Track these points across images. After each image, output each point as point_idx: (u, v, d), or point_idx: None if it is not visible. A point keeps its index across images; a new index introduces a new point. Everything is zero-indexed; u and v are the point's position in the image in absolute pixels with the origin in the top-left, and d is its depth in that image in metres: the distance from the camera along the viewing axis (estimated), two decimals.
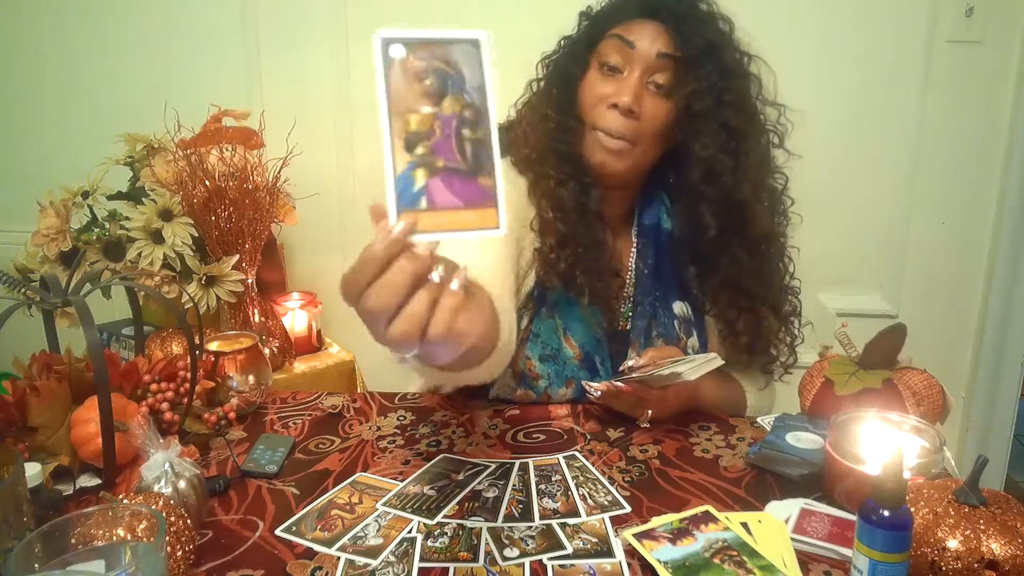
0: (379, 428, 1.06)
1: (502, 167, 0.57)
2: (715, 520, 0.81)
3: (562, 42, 1.14)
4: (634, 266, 1.16)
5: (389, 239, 0.54)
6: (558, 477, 0.91)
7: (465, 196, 0.57)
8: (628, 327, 1.14)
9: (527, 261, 1.09)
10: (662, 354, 1.03)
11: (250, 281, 1.56)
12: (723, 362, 1.01)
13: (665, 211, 1.16)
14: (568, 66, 1.09)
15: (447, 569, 0.75)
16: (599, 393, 1.03)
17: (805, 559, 0.76)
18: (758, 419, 1.08)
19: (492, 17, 1.82)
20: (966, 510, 0.68)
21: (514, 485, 0.90)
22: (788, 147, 1.14)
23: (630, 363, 1.04)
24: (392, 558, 0.76)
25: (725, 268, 1.09)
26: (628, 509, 0.85)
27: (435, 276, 0.56)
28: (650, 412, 1.04)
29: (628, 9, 1.06)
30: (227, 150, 1.52)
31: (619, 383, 1.01)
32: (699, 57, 1.02)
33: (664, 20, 1.03)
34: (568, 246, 1.05)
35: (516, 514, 0.84)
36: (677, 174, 1.12)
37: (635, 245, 1.16)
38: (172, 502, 0.74)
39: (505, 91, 1.22)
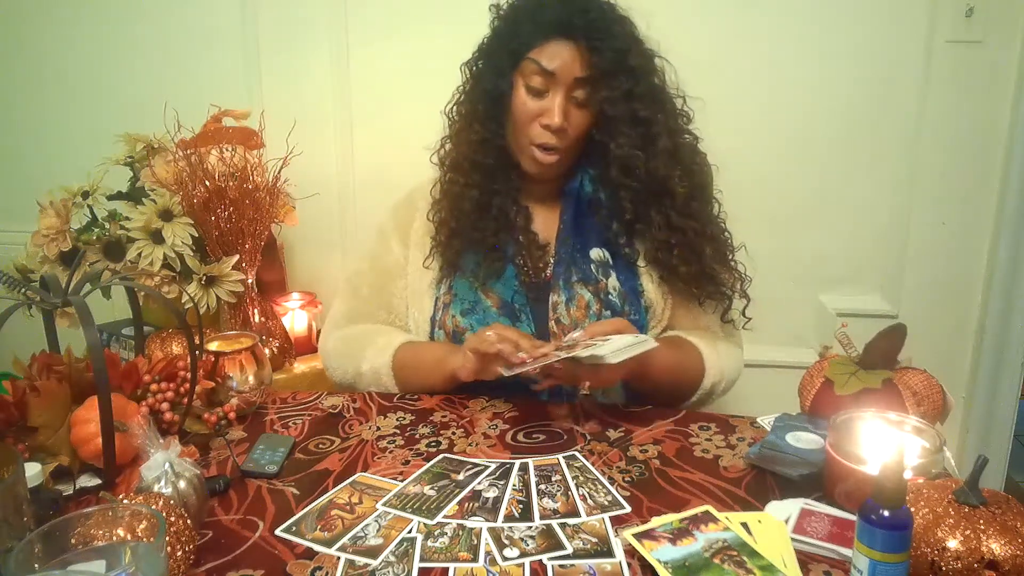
0: (379, 428, 1.06)
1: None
2: (715, 520, 0.81)
3: (483, 45, 1.22)
4: (559, 226, 1.24)
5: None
6: (558, 477, 0.91)
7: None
8: (551, 277, 1.21)
9: (423, 249, 1.25)
10: (603, 328, 1.06)
11: (250, 281, 1.56)
12: (655, 345, 1.04)
13: (588, 178, 1.23)
14: (494, 83, 1.17)
15: (447, 569, 0.75)
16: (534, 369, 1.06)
17: (805, 559, 0.76)
18: (758, 419, 1.08)
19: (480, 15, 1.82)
20: (966, 510, 0.68)
21: (514, 485, 0.90)
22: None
23: (574, 335, 1.07)
24: (392, 558, 0.76)
25: (648, 217, 1.18)
26: (628, 509, 0.85)
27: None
28: (588, 383, 1.07)
29: (541, 26, 1.13)
30: (227, 150, 1.52)
31: (532, 365, 1.01)
32: (610, 69, 1.11)
33: (576, 37, 1.11)
34: (454, 241, 1.21)
35: (516, 514, 0.84)
36: (597, 164, 1.20)
37: (560, 206, 1.25)
38: (172, 502, 0.74)
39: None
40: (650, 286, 1.21)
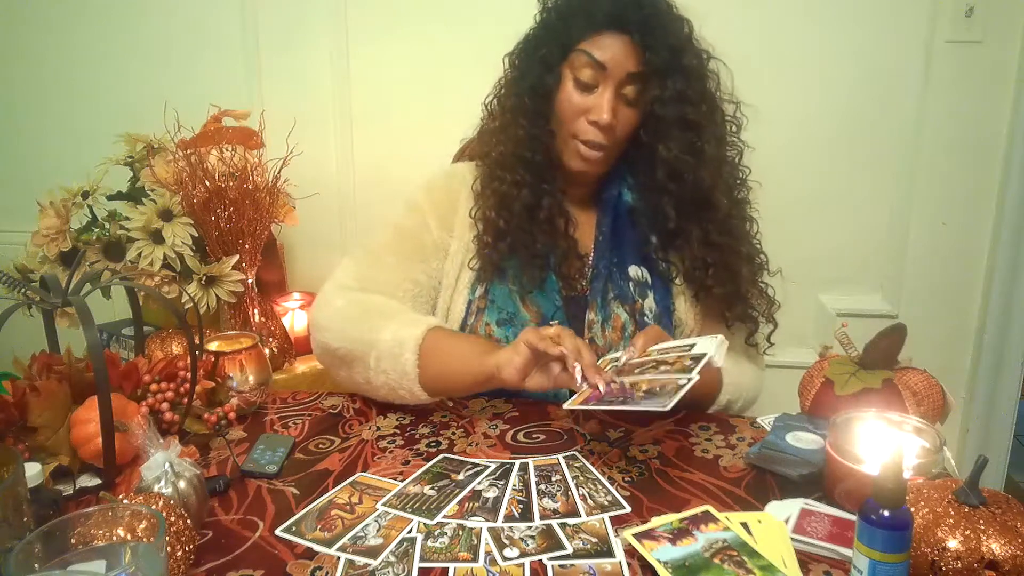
0: (379, 428, 1.06)
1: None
2: (715, 520, 0.81)
3: (529, 36, 1.16)
4: (594, 235, 1.20)
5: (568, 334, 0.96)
6: (558, 477, 0.91)
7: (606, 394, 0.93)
8: (587, 291, 1.17)
9: (466, 242, 1.18)
10: (649, 339, 1.01)
11: (250, 281, 1.56)
12: (726, 341, 0.98)
13: (626, 185, 1.20)
14: (541, 76, 1.12)
15: (447, 569, 0.75)
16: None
17: (805, 559, 0.76)
18: (758, 419, 1.08)
19: (480, 15, 1.82)
20: (966, 510, 0.68)
21: (514, 485, 0.90)
22: (749, 140, 1.19)
23: (624, 357, 1.00)
24: (392, 558, 0.76)
25: (687, 232, 1.14)
26: (628, 509, 0.85)
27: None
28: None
29: (594, 18, 1.08)
30: (227, 150, 1.52)
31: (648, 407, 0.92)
32: (663, 67, 1.07)
33: (629, 31, 1.07)
34: (501, 242, 1.14)
35: (516, 514, 0.84)
36: (642, 170, 1.16)
37: (596, 216, 1.21)
38: (172, 502, 0.74)
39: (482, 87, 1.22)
40: (683, 306, 1.18)
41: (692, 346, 0.96)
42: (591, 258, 1.19)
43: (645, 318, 1.15)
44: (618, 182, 1.20)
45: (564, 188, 1.17)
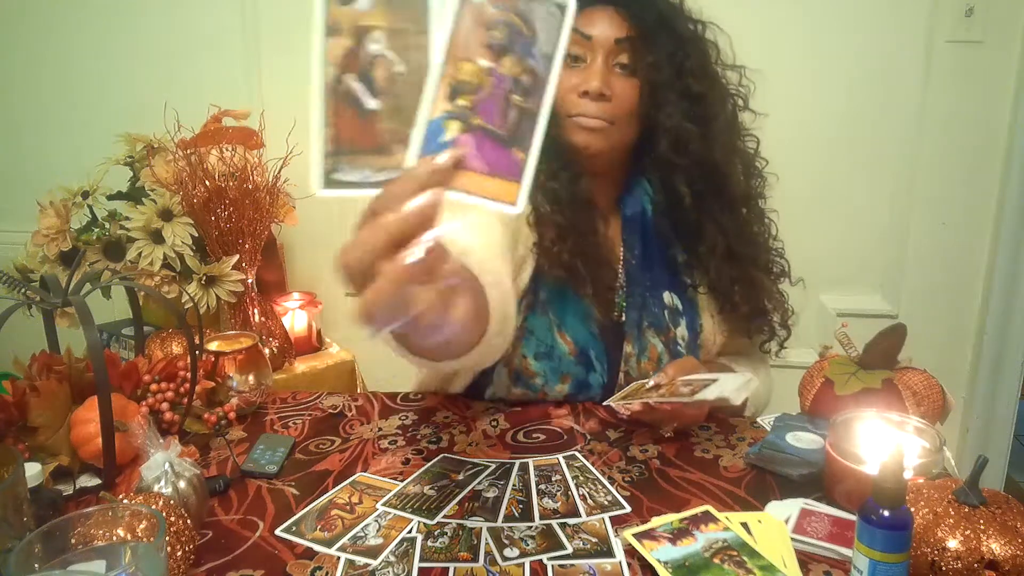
0: (380, 428, 1.06)
1: None
2: (715, 520, 0.81)
3: None
4: (623, 257, 1.17)
5: (412, 175, 0.52)
6: (558, 477, 0.91)
7: (492, 163, 0.55)
8: (622, 318, 1.14)
9: (520, 256, 1.09)
10: (681, 369, 1.01)
11: (250, 281, 1.56)
12: (758, 383, 0.99)
13: (648, 199, 1.17)
14: None
15: (447, 569, 0.75)
16: (629, 412, 1.02)
17: (805, 559, 0.76)
18: (758, 419, 1.08)
19: None
20: (966, 510, 0.68)
21: (514, 485, 0.90)
22: (754, 108, 1.16)
23: (652, 381, 1.01)
24: (392, 558, 0.76)
25: (711, 236, 1.11)
26: (628, 509, 0.85)
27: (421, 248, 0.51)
28: (675, 424, 1.02)
29: None
30: (227, 150, 1.52)
31: (653, 402, 0.97)
32: (652, 31, 1.06)
33: (615, 2, 1.06)
34: (568, 238, 1.07)
35: (516, 514, 0.84)
36: (652, 150, 1.12)
37: (622, 236, 1.17)
38: (172, 502, 0.74)
39: None
40: (709, 325, 1.16)
41: (715, 380, 0.97)
42: (621, 277, 1.15)
43: (678, 346, 1.13)
44: (639, 194, 1.16)
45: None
